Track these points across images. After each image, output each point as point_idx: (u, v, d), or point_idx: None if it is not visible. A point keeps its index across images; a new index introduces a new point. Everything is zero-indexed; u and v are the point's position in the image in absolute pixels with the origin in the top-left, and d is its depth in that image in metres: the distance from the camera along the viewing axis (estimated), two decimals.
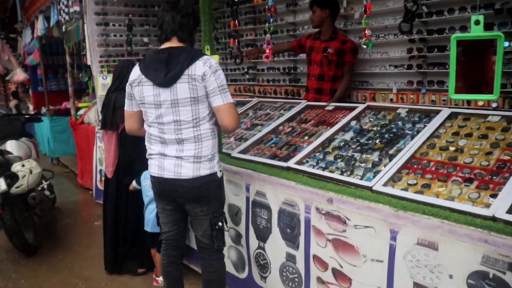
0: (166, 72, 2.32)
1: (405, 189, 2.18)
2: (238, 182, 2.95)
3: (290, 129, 3.35)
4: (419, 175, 2.26)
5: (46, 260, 4.16)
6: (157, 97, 2.38)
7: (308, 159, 2.79)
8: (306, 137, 3.11)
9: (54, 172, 5.15)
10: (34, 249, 4.27)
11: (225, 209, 3.04)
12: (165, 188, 2.51)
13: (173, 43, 2.45)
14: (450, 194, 2.05)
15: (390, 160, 2.46)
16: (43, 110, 8.15)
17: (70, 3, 5.31)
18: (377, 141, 2.71)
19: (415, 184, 2.20)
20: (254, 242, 2.89)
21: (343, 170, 2.53)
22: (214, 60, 2.38)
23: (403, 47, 3.75)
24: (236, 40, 3.42)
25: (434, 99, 3.67)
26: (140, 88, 2.44)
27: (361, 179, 2.38)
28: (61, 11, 5.64)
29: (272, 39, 4.45)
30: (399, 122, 2.84)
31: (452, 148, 2.38)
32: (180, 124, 2.38)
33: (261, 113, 3.88)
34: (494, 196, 1.93)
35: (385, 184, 2.25)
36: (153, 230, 3.36)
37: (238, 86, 5.55)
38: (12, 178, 3.78)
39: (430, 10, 3.51)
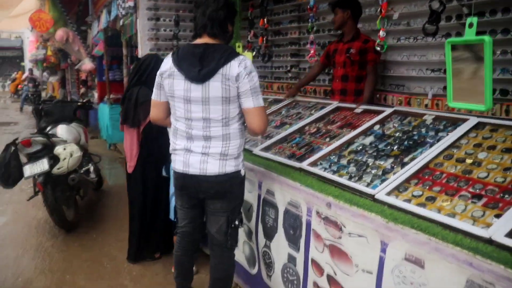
0: (200, 68, 2.26)
1: (408, 200, 2.06)
2: (252, 179, 2.95)
3: (315, 129, 3.28)
4: (427, 187, 2.12)
5: (81, 238, 4.44)
6: (187, 92, 2.33)
7: (322, 162, 2.72)
8: (327, 139, 3.03)
9: (101, 156, 5.45)
10: (72, 226, 4.57)
11: None
12: (189, 183, 2.48)
13: (206, 39, 2.40)
14: (453, 210, 1.91)
15: (402, 168, 2.33)
16: (105, 98, 8.62)
17: None
18: (394, 148, 2.58)
19: (420, 196, 2.07)
20: (262, 240, 2.88)
21: (352, 175, 2.44)
22: (249, 61, 2.33)
23: (441, 50, 3.52)
24: (264, 38, 3.41)
25: None
26: (171, 80, 2.38)
27: (367, 185, 2.28)
28: (119, 6, 5.91)
29: (316, 38, 4.41)
30: (422, 129, 2.68)
31: (469, 161, 2.21)
32: (210, 122, 2.35)
33: (293, 112, 3.83)
34: (499, 216, 1.77)
35: (389, 193, 2.14)
36: None
37: (281, 84, 5.51)
38: (55, 160, 4.05)
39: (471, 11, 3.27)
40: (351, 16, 3.87)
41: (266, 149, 3.23)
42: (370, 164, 2.50)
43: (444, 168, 2.22)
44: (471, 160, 2.20)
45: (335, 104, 3.58)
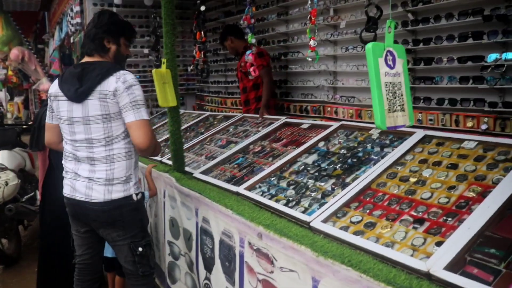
0: (78, 87, 2.21)
1: (346, 228, 1.84)
2: (190, 205, 2.69)
3: (260, 148, 3.06)
4: (368, 211, 1.91)
5: (20, 272, 4.07)
6: (70, 112, 2.28)
7: (261, 184, 2.49)
8: (270, 159, 2.80)
9: None
10: (12, 260, 4.18)
11: (180, 233, 2.80)
12: (78, 210, 2.36)
13: (86, 58, 2.36)
14: (392, 238, 1.70)
15: (342, 190, 2.12)
16: None
17: (73, 14, 5.29)
18: (337, 167, 2.37)
19: (359, 222, 1.85)
20: (202, 271, 2.62)
21: (290, 199, 2.21)
22: (130, 75, 2.24)
23: None
24: (202, 53, 3.18)
25: (432, 119, 3.26)
26: (57, 102, 2.36)
27: (304, 211, 2.06)
28: (69, 23, 5.64)
29: (268, 51, 4.22)
30: (368, 145, 2.49)
31: (413, 180, 2.01)
32: (92, 142, 2.25)
33: (240, 130, 3.61)
34: (440, 243, 1.57)
35: (325, 220, 1.92)
36: (113, 255, 3.15)
37: (234, 100, 5.29)
38: None
39: (416, 18, 3.13)
40: (234, 39, 4.32)
41: (208, 171, 2.99)
42: (310, 186, 2.28)
43: (386, 189, 2.02)
44: (415, 179, 2.00)
45: (282, 119, 3.38)
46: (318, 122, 3.07)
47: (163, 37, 2.83)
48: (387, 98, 1.51)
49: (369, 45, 1.46)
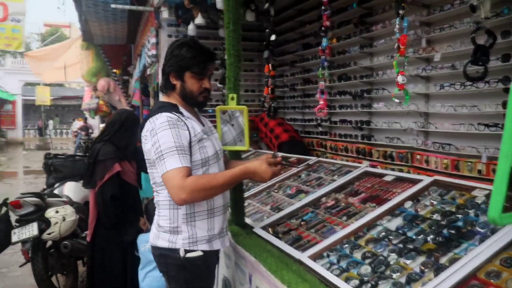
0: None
1: None
2: (244, 269, 2.30)
3: (333, 202, 2.60)
4: None
5: None
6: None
7: (330, 252, 2.03)
8: (344, 218, 2.34)
9: None
10: None
11: None
12: None
13: (162, 95, 2.21)
14: None
15: (435, 275, 1.60)
16: None
17: (150, 46, 5.28)
18: (428, 239, 1.85)
19: None
20: None
21: (365, 279, 1.73)
22: (162, 118, 1.93)
23: (497, 99, 2.73)
24: (270, 88, 2.80)
25: None
26: None
27: None
28: (146, 55, 5.65)
29: (346, 87, 3.76)
30: (470, 211, 1.93)
31: None
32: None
33: (313, 177, 3.17)
34: None
35: None
36: None
37: (311, 140, 4.85)
38: (48, 223, 3.63)
39: None
40: None
41: (271, 225, 2.58)
42: (391, 262, 1.78)
43: (501, 283, 1.47)
44: None
45: (362, 167, 2.90)
46: (405, 174, 2.55)
47: (226, 69, 2.53)
48: None
49: None
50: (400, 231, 1.99)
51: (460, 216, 1.93)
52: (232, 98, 2.44)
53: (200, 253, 2.01)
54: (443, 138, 3.23)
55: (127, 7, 5.47)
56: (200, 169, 2.02)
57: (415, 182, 2.38)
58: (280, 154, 2.14)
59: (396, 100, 2.32)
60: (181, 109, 2.09)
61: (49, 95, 24.57)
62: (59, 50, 11.45)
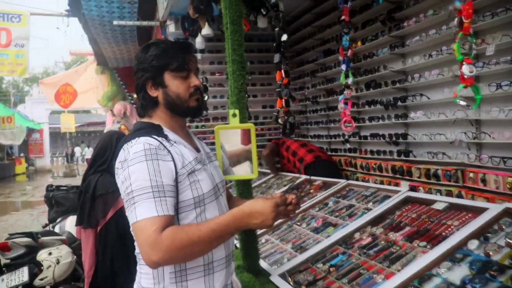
0: None
1: None
2: None
3: (370, 239, 2.06)
4: None
5: None
6: None
7: None
8: (386, 263, 1.78)
9: None
10: None
11: None
12: None
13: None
14: None
15: None
16: None
17: None
18: None
19: None
20: None
21: None
22: (137, 146, 1.40)
23: None
24: (284, 100, 2.28)
25: None
26: None
27: None
28: None
29: (376, 95, 3.20)
30: None
31: None
32: None
33: (343, 204, 2.64)
34: None
35: None
36: None
37: (339, 158, 4.28)
38: (40, 267, 3.19)
39: None
40: None
41: (292, 272, 2.05)
42: None
43: None
44: None
45: (403, 191, 2.35)
46: (462, 200, 1.98)
47: (228, 79, 2.04)
48: None
49: None
50: (469, 286, 1.43)
51: None
52: (234, 115, 1.93)
53: None
54: (502, 150, 2.62)
55: (130, 23, 5.10)
56: (193, 211, 1.49)
57: (477, 211, 1.83)
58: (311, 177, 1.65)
59: (462, 103, 1.77)
60: (166, 131, 1.57)
61: (73, 122, 24.72)
62: (73, 75, 11.31)
